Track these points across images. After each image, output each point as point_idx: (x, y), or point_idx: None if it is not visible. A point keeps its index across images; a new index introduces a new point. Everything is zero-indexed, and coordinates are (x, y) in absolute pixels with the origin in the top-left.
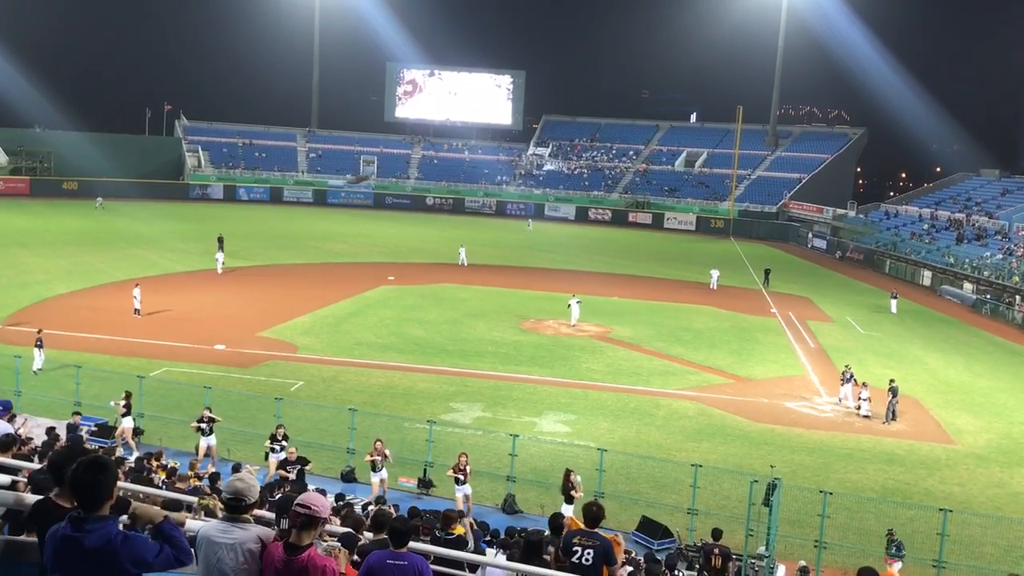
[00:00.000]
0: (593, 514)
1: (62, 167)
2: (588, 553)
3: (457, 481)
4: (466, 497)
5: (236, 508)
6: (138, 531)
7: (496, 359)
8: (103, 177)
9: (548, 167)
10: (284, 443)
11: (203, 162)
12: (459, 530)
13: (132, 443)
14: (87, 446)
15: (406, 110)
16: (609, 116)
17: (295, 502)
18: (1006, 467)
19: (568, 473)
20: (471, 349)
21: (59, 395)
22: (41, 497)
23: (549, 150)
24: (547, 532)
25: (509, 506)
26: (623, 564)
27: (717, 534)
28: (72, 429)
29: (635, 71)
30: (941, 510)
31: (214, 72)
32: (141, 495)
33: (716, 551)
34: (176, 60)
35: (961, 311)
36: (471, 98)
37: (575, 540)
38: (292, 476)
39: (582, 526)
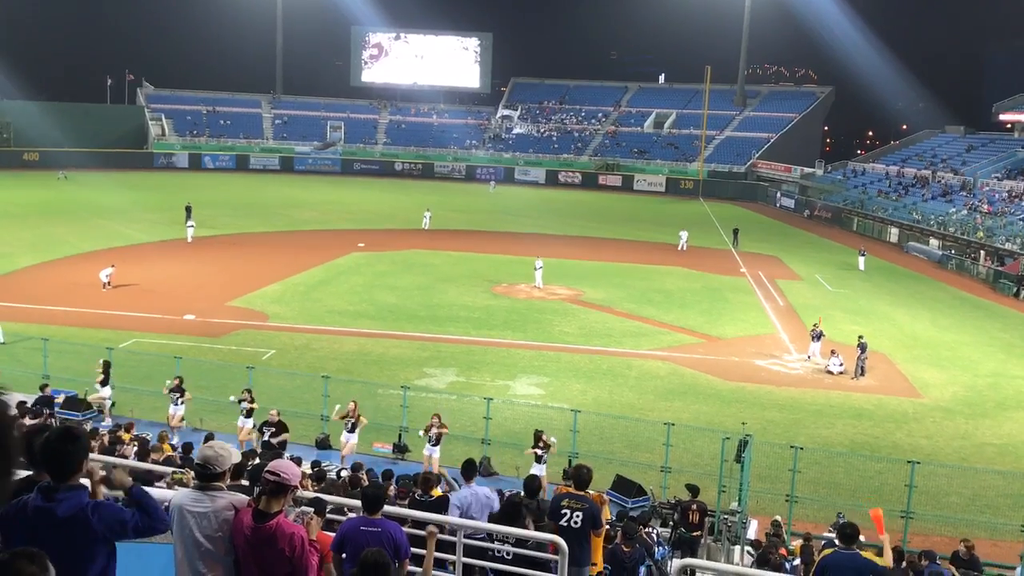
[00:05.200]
0: (582, 477)
1: (22, 138)
2: (577, 516)
3: (429, 440)
4: (430, 459)
5: (205, 476)
6: (109, 499)
7: (469, 324)
8: (65, 147)
9: (517, 130)
10: (251, 404)
11: (167, 130)
12: (437, 493)
13: (107, 414)
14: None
15: (372, 74)
16: (578, 78)
17: (265, 469)
18: (970, 419)
19: (539, 434)
20: (443, 314)
21: (25, 369)
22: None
23: (518, 113)
24: (522, 494)
25: (484, 468)
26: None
27: (695, 490)
28: (44, 402)
29: (603, 32)
30: (909, 462)
31: (176, 38)
32: (114, 467)
33: (694, 507)
34: (136, 26)
35: (927, 267)
36: (438, 61)
37: (564, 503)
38: (266, 437)
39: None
